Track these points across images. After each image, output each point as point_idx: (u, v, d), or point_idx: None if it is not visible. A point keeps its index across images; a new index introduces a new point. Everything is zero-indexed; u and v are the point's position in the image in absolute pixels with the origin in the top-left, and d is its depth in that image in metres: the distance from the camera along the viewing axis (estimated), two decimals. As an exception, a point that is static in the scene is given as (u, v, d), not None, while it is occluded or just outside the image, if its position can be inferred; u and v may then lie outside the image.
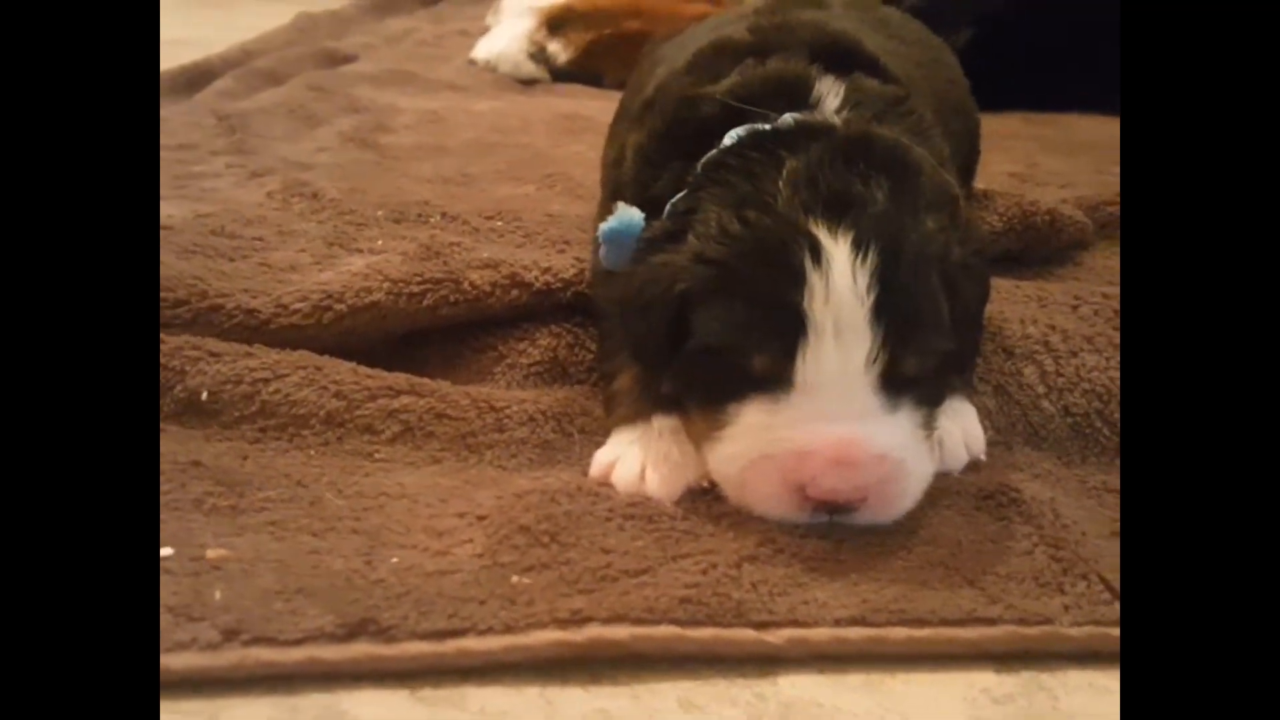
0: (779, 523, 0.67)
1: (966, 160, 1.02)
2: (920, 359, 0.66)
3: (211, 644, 0.57)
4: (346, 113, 1.46)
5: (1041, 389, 0.81)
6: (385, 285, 0.84)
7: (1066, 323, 0.86)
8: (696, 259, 0.68)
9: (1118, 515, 0.71)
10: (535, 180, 1.20)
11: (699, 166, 0.73)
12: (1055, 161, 1.49)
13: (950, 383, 0.73)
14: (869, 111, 0.76)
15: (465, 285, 0.85)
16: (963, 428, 0.75)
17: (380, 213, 1.01)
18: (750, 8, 0.92)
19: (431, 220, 1.01)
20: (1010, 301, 0.90)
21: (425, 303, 0.84)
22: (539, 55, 1.76)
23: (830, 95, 0.76)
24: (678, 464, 0.70)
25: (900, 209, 0.67)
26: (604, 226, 0.76)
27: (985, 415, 0.79)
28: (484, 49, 1.81)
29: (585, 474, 0.72)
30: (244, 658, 0.57)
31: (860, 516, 0.66)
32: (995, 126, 1.67)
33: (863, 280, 0.64)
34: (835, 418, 0.64)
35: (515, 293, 0.86)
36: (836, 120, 0.74)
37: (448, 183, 1.18)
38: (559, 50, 1.75)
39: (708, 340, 0.67)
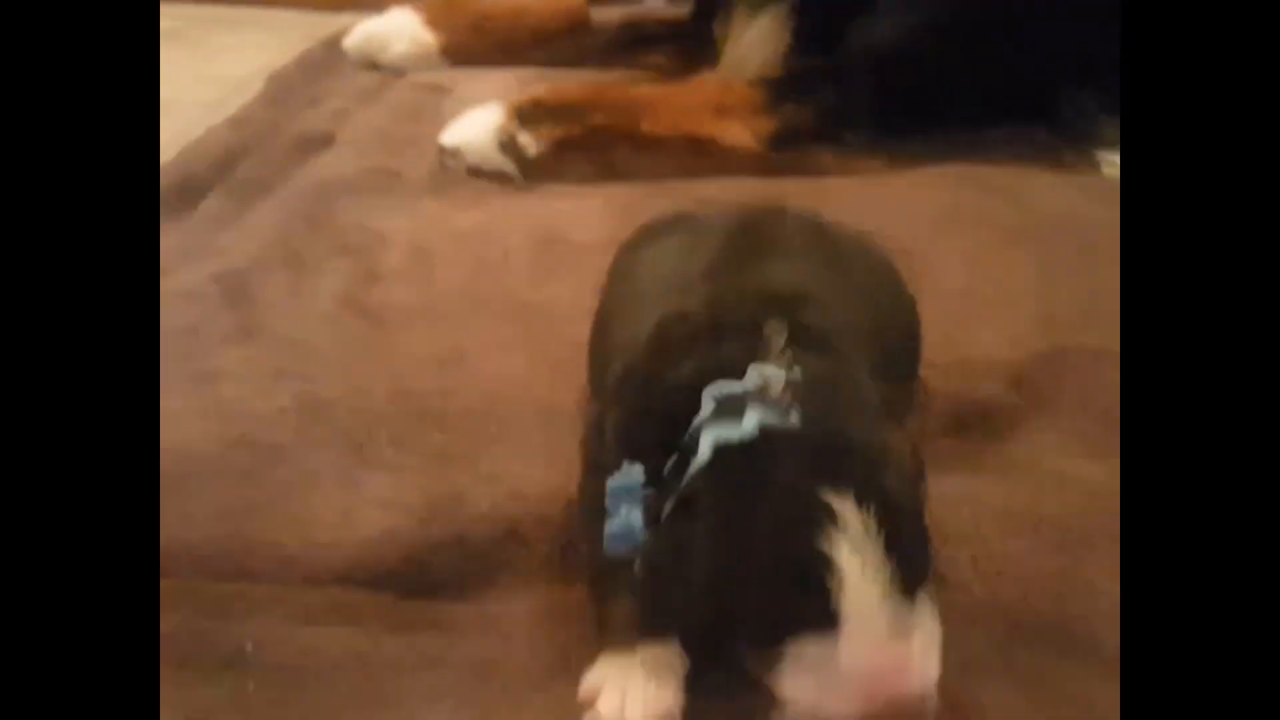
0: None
1: (910, 370, 1.12)
2: (917, 577, 0.78)
3: None
4: (337, 254, 1.54)
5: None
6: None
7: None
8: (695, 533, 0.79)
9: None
10: (524, 348, 1.30)
11: (684, 480, 0.82)
12: (1003, 261, 1.55)
13: None
14: (817, 401, 0.84)
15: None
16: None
17: (384, 436, 1.11)
18: (704, 264, 1.00)
19: (433, 439, 1.12)
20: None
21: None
22: (509, 146, 1.81)
23: (775, 379, 0.84)
24: (654, 698, 0.82)
25: (884, 461, 0.79)
26: (610, 530, 0.84)
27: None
28: (453, 136, 1.85)
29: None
30: None
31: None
32: (947, 204, 1.75)
33: (874, 528, 0.75)
34: (882, 649, 0.76)
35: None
36: (795, 418, 0.83)
37: (443, 365, 1.27)
38: (529, 143, 1.80)
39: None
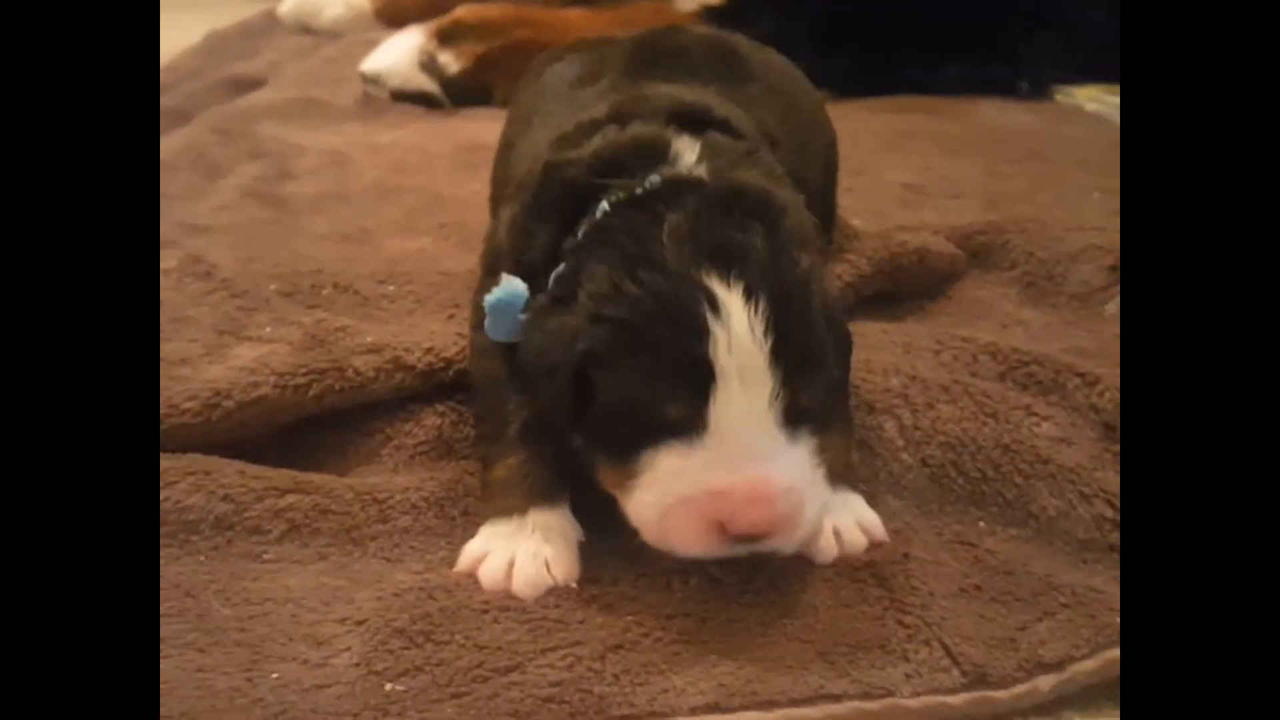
0: (646, 604, 0.72)
1: (826, 185, 1.06)
2: (813, 392, 0.71)
3: (99, 775, 0.60)
4: (250, 158, 1.47)
5: (900, 442, 0.85)
6: (271, 379, 0.86)
7: (927, 370, 0.90)
8: (594, 319, 0.71)
9: (968, 569, 0.76)
10: (431, 230, 1.23)
11: (579, 233, 0.77)
12: (951, 165, 1.53)
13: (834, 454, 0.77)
14: (724, 162, 0.79)
15: (350, 373, 0.88)
16: (855, 515, 0.78)
17: (274, 287, 1.03)
18: (607, 85, 0.94)
19: (323, 293, 1.04)
20: (877, 349, 0.94)
21: (311, 393, 0.87)
22: (430, 65, 1.77)
23: (687, 152, 0.80)
24: (546, 563, 0.74)
25: (777, 252, 0.72)
26: (489, 298, 0.79)
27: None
28: (373, 62, 1.81)
29: (460, 563, 0.75)
30: (129, 787, 0.60)
31: (769, 544, 0.71)
32: (897, 124, 1.73)
33: (759, 327, 0.68)
34: (747, 458, 0.69)
35: (399, 376, 0.89)
36: (702, 173, 0.77)
37: (345, 240, 1.21)
38: (450, 61, 1.76)
39: (617, 395, 0.71)
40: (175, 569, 0.75)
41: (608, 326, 0.70)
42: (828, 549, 0.76)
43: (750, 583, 0.74)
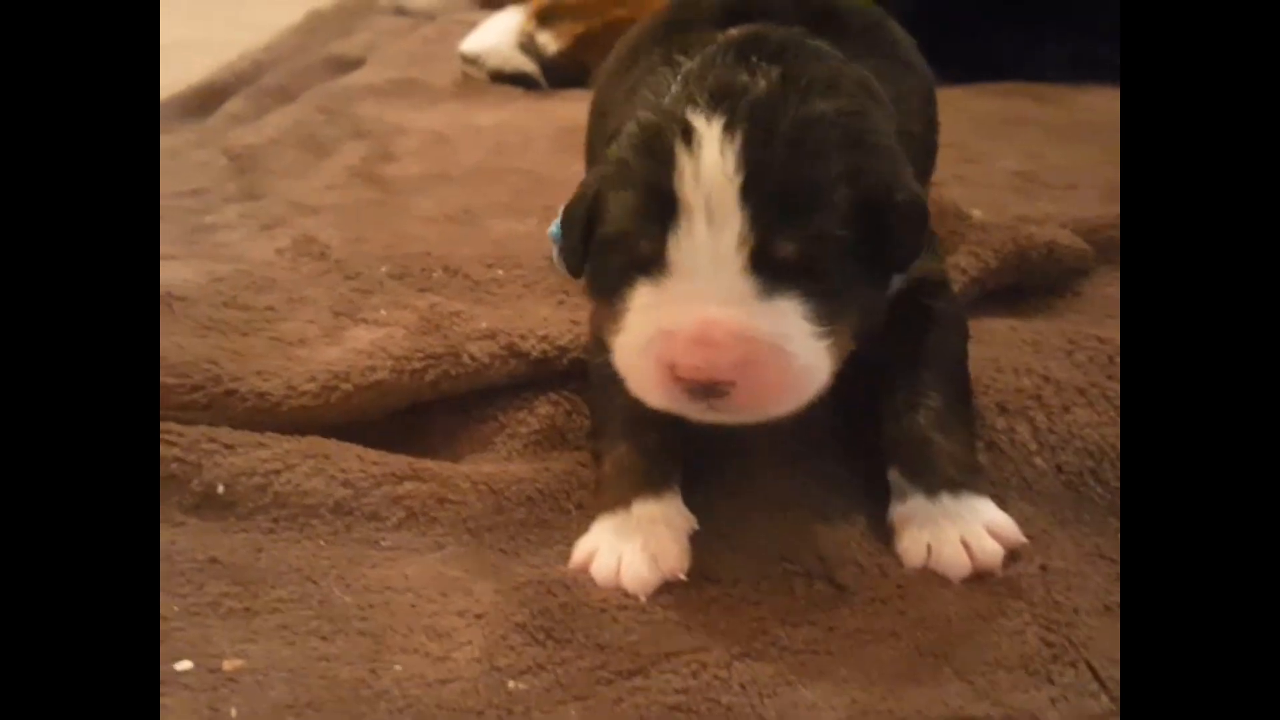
0: (770, 609, 0.69)
1: (925, 134, 1.00)
2: (798, 243, 0.66)
3: (229, 764, 0.60)
4: (353, 138, 1.47)
5: (1034, 445, 0.81)
6: (389, 363, 0.86)
7: (1060, 372, 0.86)
8: (606, 163, 0.72)
9: (1110, 585, 0.72)
10: (535, 212, 1.21)
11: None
12: (1062, 153, 1.46)
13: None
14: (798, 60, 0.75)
15: (465, 359, 0.87)
16: (984, 521, 0.73)
17: (385, 269, 1.03)
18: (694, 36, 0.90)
19: (434, 275, 1.03)
20: (1004, 346, 0.90)
21: (427, 378, 0.86)
22: (529, 46, 1.75)
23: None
24: (653, 557, 0.72)
25: (786, 92, 0.69)
26: (552, 227, 0.78)
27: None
28: (473, 42, 1.81)
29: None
30: (259, 778, 0.60)
31: (735, 404, 0.67)
32: (1000, 110, 1.67)
33: (731, 160, 0.65)
34: (701, 299, 0.66)
35: (513, 363, 0.88)
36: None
37: (450, 221, 1.20)
38: (549, 41, 1.75)
39: (604, 230, 0.71)
40: (295, 552, 0.75)
41: (610, 166, 0.71)
42: (956, 561, 0.72)
43: (877, 590, 0.71)
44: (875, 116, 0.74)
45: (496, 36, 1.76)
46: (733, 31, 0.76)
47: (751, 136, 0.66)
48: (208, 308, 0.96)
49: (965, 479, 0.75)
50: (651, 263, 0.67)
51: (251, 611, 0.70)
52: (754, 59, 0.70)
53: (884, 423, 0.77)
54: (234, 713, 0.63)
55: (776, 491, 0.79)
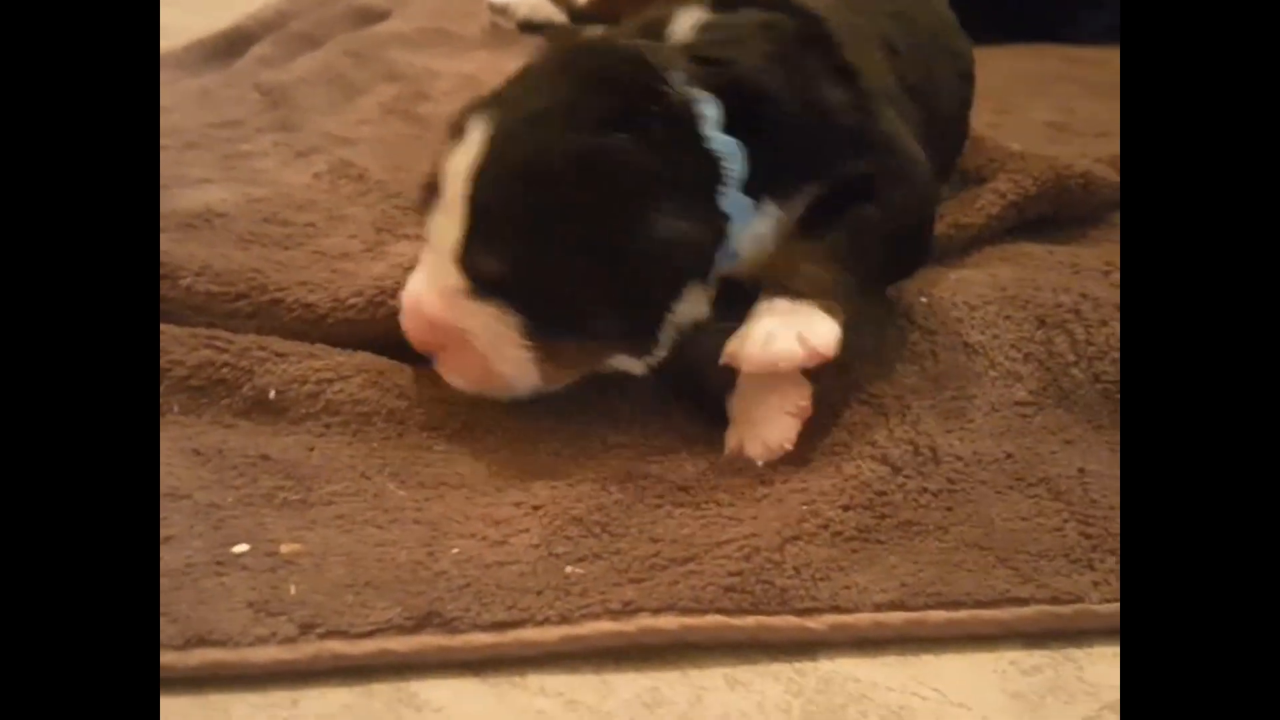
0: (821, 495, 0.70)
1: (962, 104, 1.04)
2: (502, 263, 0.72)
3: (289, 637, 0.61)
4: (385, 80, 1.47)
5: (1071, 357, 0.82)
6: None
7: (1099, 290, 0.87)
8: None
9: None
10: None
11: None
12: (1094, 106, 1.47)
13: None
14: (720, 35, 0.79)
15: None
16: (801, 326, 0.72)
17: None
18: None
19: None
20: (1042, 268, 0.92)
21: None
22: None
23: (683, 23, 0.81)
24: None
25: (555, 119, 0.73)
26: None
27: (1016, 380, 0.81)
28: None
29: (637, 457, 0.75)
30: (320, 650, 0.61)
31: (443, 373, 0.77)
32: (1033, 66, 1.68)
33: (471, 168, 0.72)
34: (421, 275, 0.76)
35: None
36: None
37: (488, 156, 1.20)
38: (577, -9, 1.74)
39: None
40: (348, 452, 0.76)
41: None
42: (749, 352, 0.71)
43: (926, 484, 0.72)
44: (659, 152, 0.72)
45: (525, -15, 1.76)
46: (587, 40, 0.82)
47: (494, 155, 0.72)
48: (248, 223, 0.97)
49: (813, 295, 0.74)
50: (425, 230, 0.76)
51: (306, 503, 0.71)
52: (561, 75, 0.76)
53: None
54: (293, 590, 0.64)
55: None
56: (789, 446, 0.73)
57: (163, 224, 0.94)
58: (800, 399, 0.74)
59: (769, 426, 0.73)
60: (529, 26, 1.77)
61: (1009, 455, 0.75)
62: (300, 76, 1.45)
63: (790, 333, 0.71)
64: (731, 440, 0.75)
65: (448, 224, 0.73)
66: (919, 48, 0.94)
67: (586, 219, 0.71)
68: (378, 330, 0.85)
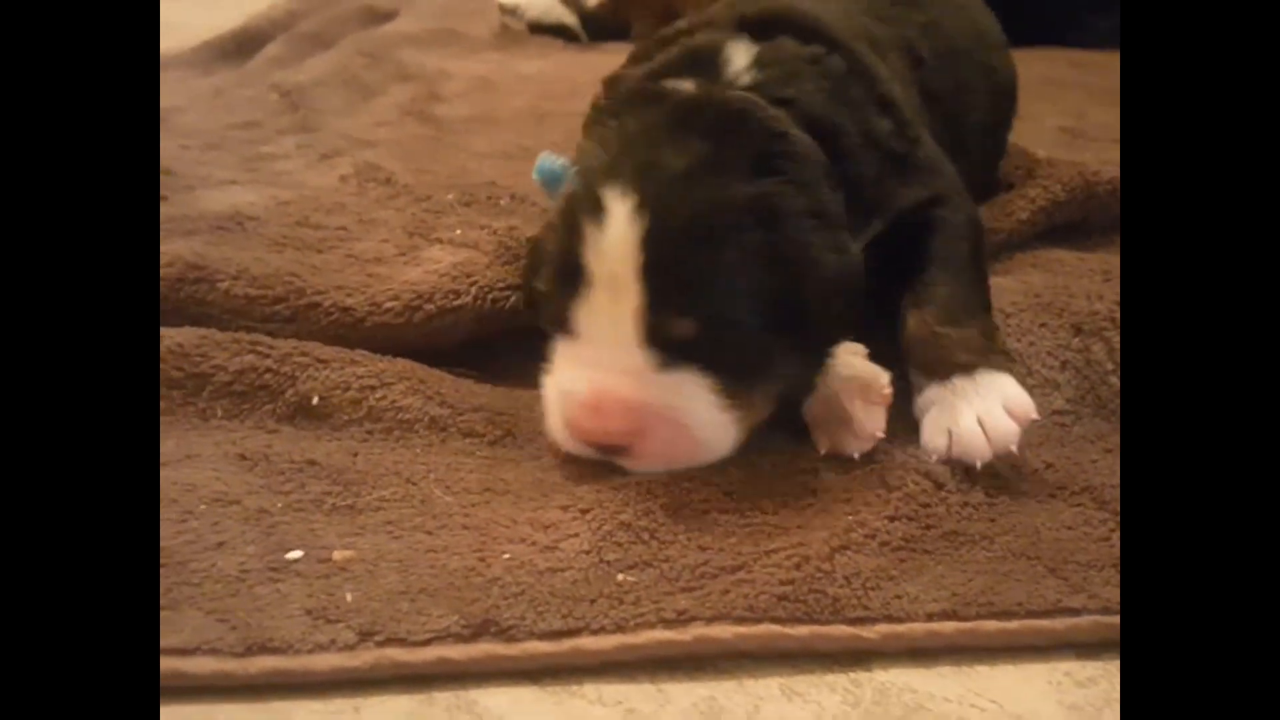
0: (866, 506, 0.71)
1: (995, 119, 1.04)
2: (697, 322, 0.70)
3: (348, 645, 0.61)
4: (397, 81, 1.48)
5: (1109, 365, 0.83)
6: (473, 290, 0.87)
7: (1133, 299, 0.88)
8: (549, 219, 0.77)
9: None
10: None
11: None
12: (1104, 113, 1.49)
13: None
14: (777, 71, 0.79)
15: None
16: (1001, 398, 0.74)
17: (451, 196, 1.04)
18: None
19: (501, 203, 1.04)
20: (1075, 275, 0.92)
21: (508, 305, 0.87)
22: None
23: (738, 59, 0.80)
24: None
25: (706, 172, 0.71)
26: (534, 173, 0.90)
27: (1053, 388, 0.81)
28: None
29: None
30: (379, 658, 0.61)
31: (634, 462, 0.73)
32: (1042, 71, 1.69)
33: (634, 239, 0.69)
34: (599, 366, 0.71)
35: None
36: (748, 80, 0.79)
37: (508, 158, 1.20)
38: (588, -7, 1.74)
39: (536, 284, 0.76)
40: (392, 458, 0.76)
41: (548, 225, 0.76)
42: (974, 445, 0.72)
43: (968, 498, 0.73)
44: (806, 192, 0.73)
45: (537, -13, 1.77)
46: (684, 91, 0.77)
47: (657, 217, 0.69)
48: (279, 227, 0.97)
49: (978, 360, 0.75)
50: (565, 324, 0.72)
51: (355, 509, 0.71)
52: (681, 131, 0.72)
53: (900, 330, 0.79)
54: (349, 597, 0.64)
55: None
56: (881, 435, 0.74)
57: (193, 226, 0.94)
58: (883, 388, 0.74)
59: (859, 419, 0.74)
60: (539, 27, 1.77)
61: (1049, 465, 0.76)
62: (315, 78, 1.45)
63: (994, 409, 0.73)
64: (822, 442, 0.75)
65: (616, 301, 0.69)
66: (948, 57, 0.95)
67: (763, 264, 0.71)
68: (414, 334, 0.86)
